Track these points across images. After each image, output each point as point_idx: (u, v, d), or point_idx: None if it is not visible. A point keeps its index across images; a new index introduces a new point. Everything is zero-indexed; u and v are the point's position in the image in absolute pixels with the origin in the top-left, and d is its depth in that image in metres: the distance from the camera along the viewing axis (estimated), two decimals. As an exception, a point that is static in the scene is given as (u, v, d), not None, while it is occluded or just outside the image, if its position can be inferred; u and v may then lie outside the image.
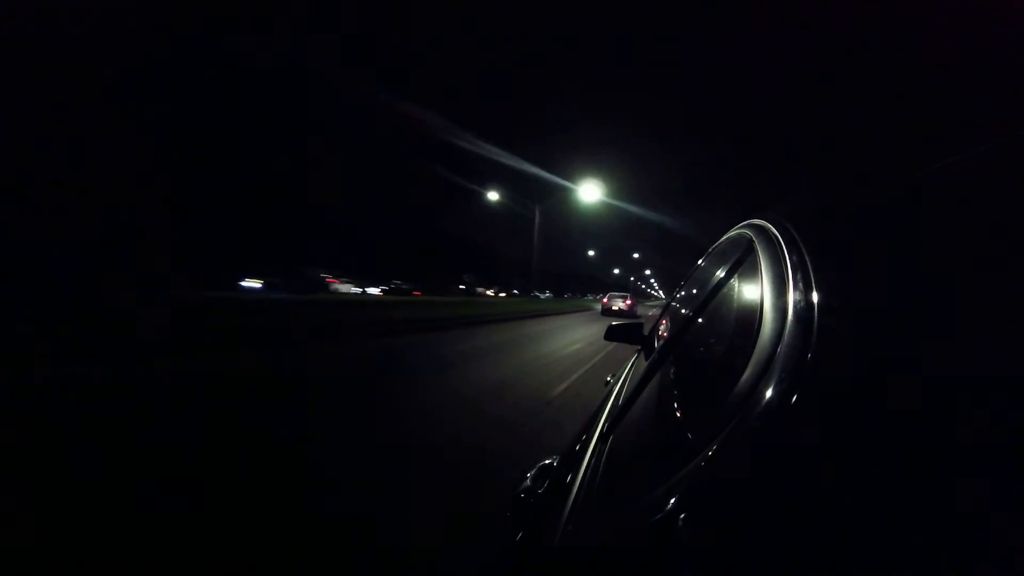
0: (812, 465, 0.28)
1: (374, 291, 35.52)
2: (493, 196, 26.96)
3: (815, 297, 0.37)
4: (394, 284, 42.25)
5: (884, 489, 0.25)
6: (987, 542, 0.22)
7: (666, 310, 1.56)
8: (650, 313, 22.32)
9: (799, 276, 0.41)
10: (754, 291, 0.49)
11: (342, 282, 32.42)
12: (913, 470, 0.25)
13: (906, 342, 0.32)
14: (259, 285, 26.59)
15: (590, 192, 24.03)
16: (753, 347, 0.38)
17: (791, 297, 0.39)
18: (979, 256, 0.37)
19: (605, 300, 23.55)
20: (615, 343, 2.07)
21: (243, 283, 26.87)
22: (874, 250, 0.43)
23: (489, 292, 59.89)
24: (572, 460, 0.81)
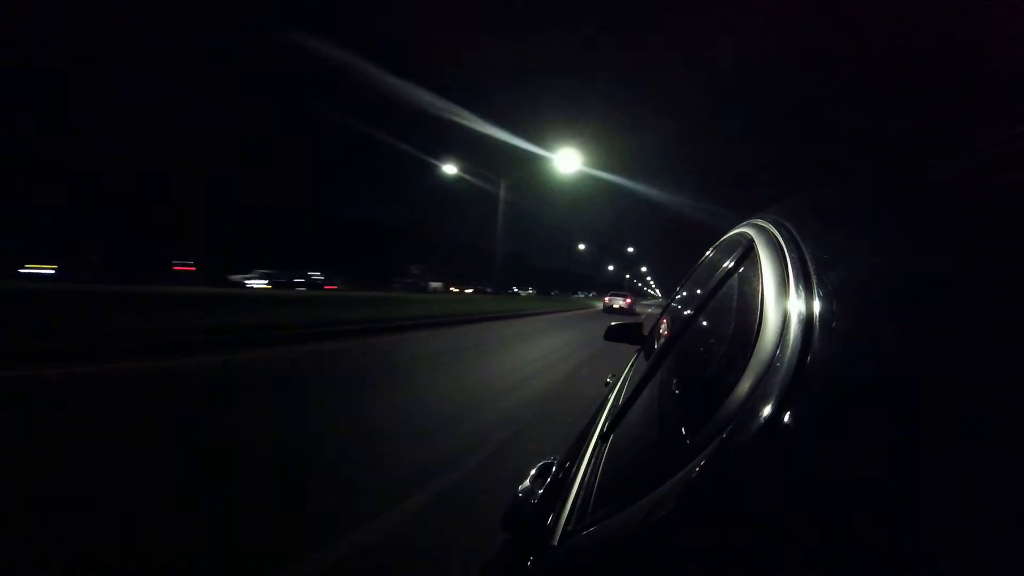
0: (813, 465, 0.28)
1: (258, 284, 29.50)
2: (453, 170, 22.82)
3: (816, 297, 0.37)
4: (309, 276, 36.37)
5: (885, 489, 0.25)
6: (988, 544, 0.22)
7: (666, 310, 1.56)
8: (648, 311, 22.72)
9: (800, 276, 0.41)
10: (754, 291, 0.49)
11: (257, 275, 25.92)
12: (915, 471, 0.25)
13: (907, 342, 0.32)
14: (52, 271, 23.21)
15: (572, 162, 20.29)
16: (753, 347, 0.38)
17: (791, 297, 0.39)
18: (981, 256, 0.37)
19: (607, 299, 26.14)
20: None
21: (25, 268, 23.54)
22: (875, 250, 0.43)
23: (452, 288, 53.87)
24: (572, 460, 0.81)
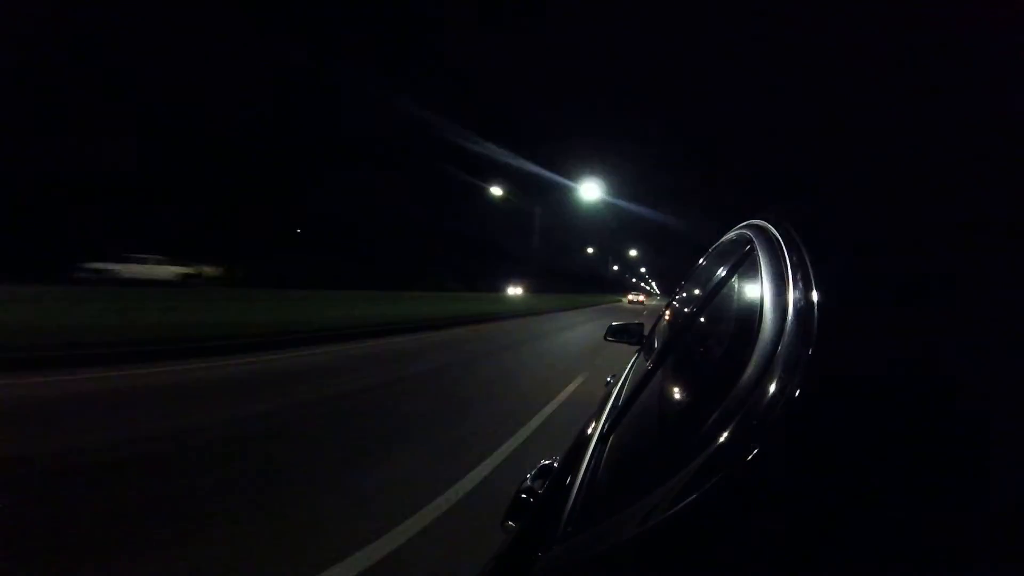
0: (813, 465, 0.28)
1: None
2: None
3: (815, 296, 0.37)
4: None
5: (885, 487, 0.25)
6: (988, 539, 0.22)
7: (666, 309, 1.57)
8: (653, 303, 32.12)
9: (799, 275, 0.41)
10: (754, 291, 0.49)
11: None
12: (914, 467, 0.25)
13: (906, 341, 0.32)
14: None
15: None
16: (753, 347, 0.38)
17: (791, 296, 0.39)
18: (978, 254, 0.37)
19: (630, 296, 43.85)
20: None
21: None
22: (874, 249, 0.44)
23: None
24: (572, 460, 0.81)
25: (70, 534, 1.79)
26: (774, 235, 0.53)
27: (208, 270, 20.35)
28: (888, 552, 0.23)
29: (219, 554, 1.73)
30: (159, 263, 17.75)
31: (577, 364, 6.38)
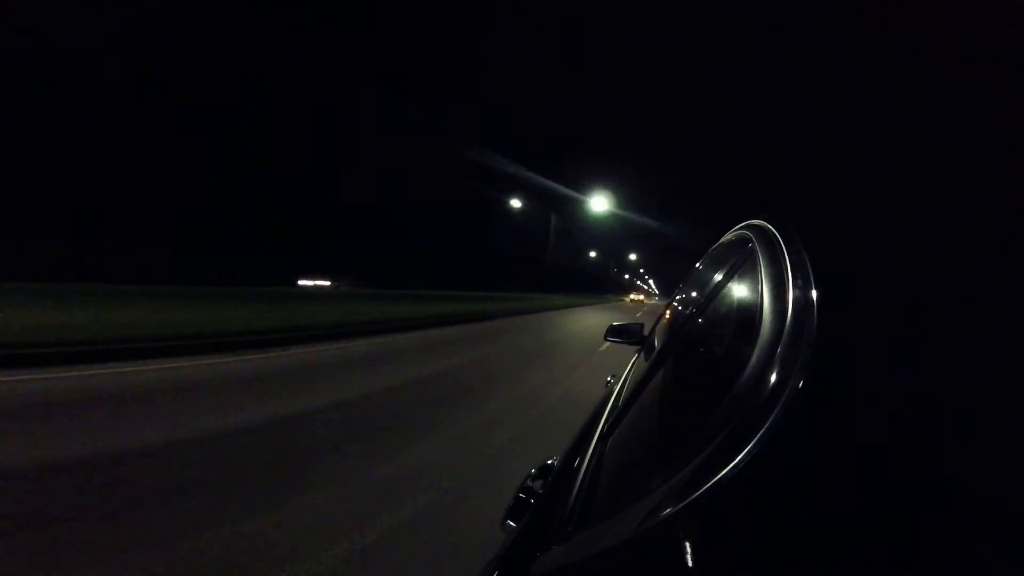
0: (812, 465, 0.28)
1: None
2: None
3: (814, 297, 0.37)
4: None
5: (885, 487, 0.25)
6: (987, 536, 0.22)
7: (666, 310, 1.57)
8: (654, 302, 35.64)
9: (798, 276, 0.41)
10: (754, 291, 0.49)
11: None
12: (914, 466, 0.25)
13: (905, 341, 0.32)
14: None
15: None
16: (753, 347, 0.38)
17: (791, 297, 0.39)
18: (978, 254, 0.37)
19: (632, 294, 57.65)
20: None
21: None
22: (873, 249, 0.44)
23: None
24: (572, 460, 0.81)
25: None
26: (774, 235, 0.53)
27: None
28: (888, 551, 0.23)
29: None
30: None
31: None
